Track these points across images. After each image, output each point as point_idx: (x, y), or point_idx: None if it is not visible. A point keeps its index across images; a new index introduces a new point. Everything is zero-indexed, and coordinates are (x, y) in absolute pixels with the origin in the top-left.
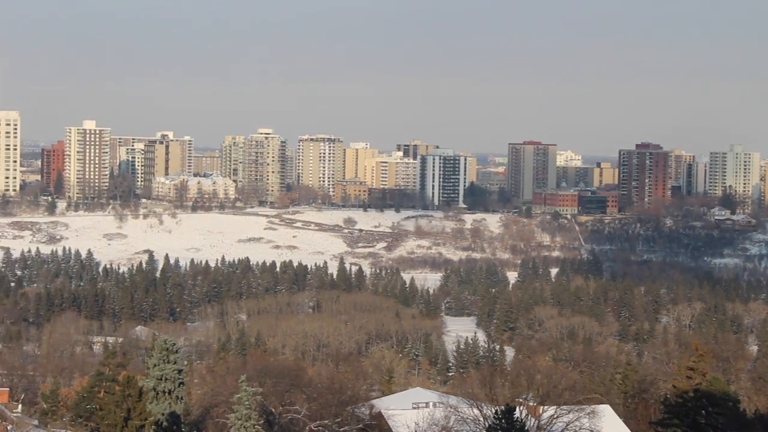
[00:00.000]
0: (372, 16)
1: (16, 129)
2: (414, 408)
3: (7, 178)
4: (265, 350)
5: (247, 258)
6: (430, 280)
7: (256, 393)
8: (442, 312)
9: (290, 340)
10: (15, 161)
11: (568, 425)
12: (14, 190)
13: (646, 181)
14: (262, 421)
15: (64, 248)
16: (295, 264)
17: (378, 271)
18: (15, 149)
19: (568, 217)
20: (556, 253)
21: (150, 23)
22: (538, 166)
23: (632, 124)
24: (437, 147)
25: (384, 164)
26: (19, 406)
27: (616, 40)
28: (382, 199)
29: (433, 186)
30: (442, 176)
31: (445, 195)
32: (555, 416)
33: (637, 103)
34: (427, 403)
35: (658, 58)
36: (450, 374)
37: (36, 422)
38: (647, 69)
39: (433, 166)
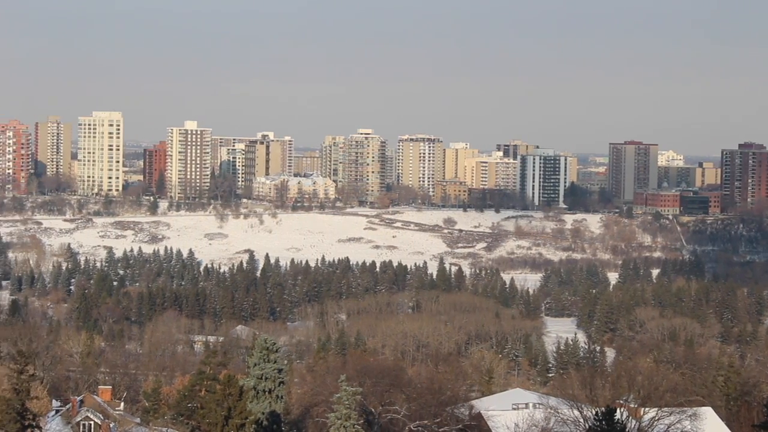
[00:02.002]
0: (473, 17)
1: (119, 130)
2: (514, 409)
3: (110, 178)
4: (364, 350)
5: (347, 258)
6: (529, 280)
7: (355, 393)
8: (542, 313)
9: (390, 340)
10: (118, 162)
11: (669, 427)
12: (117, 190)
13: (749, 181)
14: (362, 421)
15: (166, 248)
16: (395, 264)
17: (478, 271)
18: (118, 150)
19: (670, 217)
20: (657, 254)
21: (251, 23)
22: (639, 166)
23: (735, 123)
24: (537, 147)
25: (484, 164)
26: (122, 404)
27: (721, 39)
28: (482, 200)
29: (533, 186)
30: (542, 176)
31: (545, 195)
32: (656, 418)
33: (740, 102)
34: (526, 404)
35: (763, 57)
36: (550, 375)
37: (138, 420)
38: (751, 68)
39: (534, 166)
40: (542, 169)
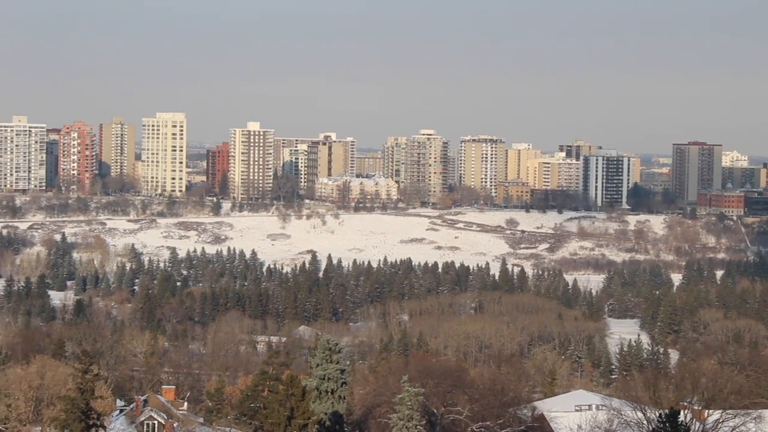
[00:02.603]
0: (536, 17)
1: (182, 131)
2: (576, 410)
3: (173, 179)
4: (427, 351)
5: (409, 259)
6: (592, 281)
7: (418, 393)
8: (605, 314)
9: (452, 341)
10: (181, 162)
11: (733, 430)
12: (180, 191)
13: None
14: (424, 422)
15: (229, 248)
16: (457, 265)
17: (540, 272)
18: (181, 151)
19: (734, 218)
20: (721, 255)
21: (313, 24)
22: (703, 167)
23: None
24: (600, 147)
25: (546, 165)
26: (185, 403)
27: None
28: (545, 200)
29: (596, 187)
30: (605, 177)
31: (608, 196)
32: (720, 420)
33: None
34: (589, 406)
35: None
36: (613, 377)
37: (201, 420)
38: None
39: (596, 167)
40: (605, 169)
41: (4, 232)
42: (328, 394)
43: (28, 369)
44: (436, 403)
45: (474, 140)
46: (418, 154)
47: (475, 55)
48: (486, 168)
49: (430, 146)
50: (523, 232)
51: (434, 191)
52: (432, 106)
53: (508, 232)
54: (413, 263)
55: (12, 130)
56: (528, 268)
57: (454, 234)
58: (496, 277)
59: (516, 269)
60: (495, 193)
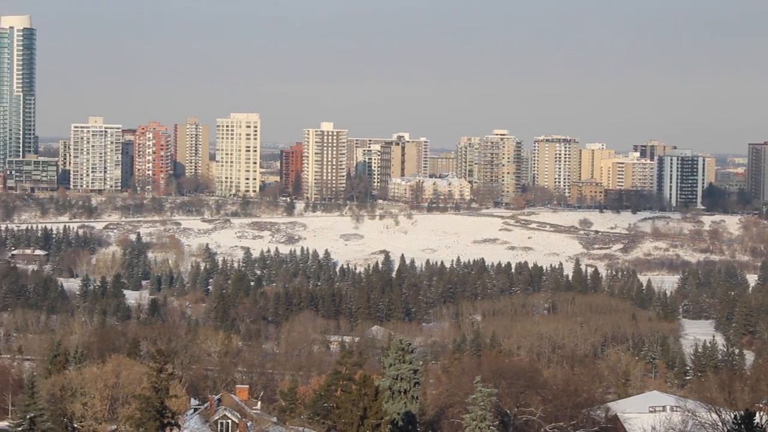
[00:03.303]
0: (608, 16)
1: (256, 131)
2: (650, 412)
3: (247, 179)
4: (500, 351)
5: (482, 259)
6: (667, 282)
7: (491, 394)
8: (679, 315)
9: (525, 341)
10: (255, 163)
11: None
12: (254, 191)
13: None
14: (497, 422)
15: (302, 248)
16: (531, 265)
17: (614, 272)
18: (255, 151)
19: None
20: None
21: (386, 24)
22: None
23: None
24: (675, 147)
25: (620, 165)
26: (259, 403)
27: None
28: (618, 200)
29: (670, 187)
30: (679, 177)
31: (683, 196)
32: None
33: None
34: (663, 407)
35: None
36: (687, 378)
37: (275, 419)
38: None
39: (671, 167)
40: (680, 169)
41: (81, 232)
42: (401, 394)
43: (104, 368)
44: (509, 403)
45: (547, 140)
46: (492, 154)
47: (549, 54)
48: (559, 168)
49: (504, 146)
50: (596, 232)
51: (507, 191)
52: (505, 106)
53: (582, 232)
54: (486, 263)
55: (88, 131)
56: (602, 269)
57: (528, 234)
58: (570, 278)
59: (590, 270)
60: (568, 193)
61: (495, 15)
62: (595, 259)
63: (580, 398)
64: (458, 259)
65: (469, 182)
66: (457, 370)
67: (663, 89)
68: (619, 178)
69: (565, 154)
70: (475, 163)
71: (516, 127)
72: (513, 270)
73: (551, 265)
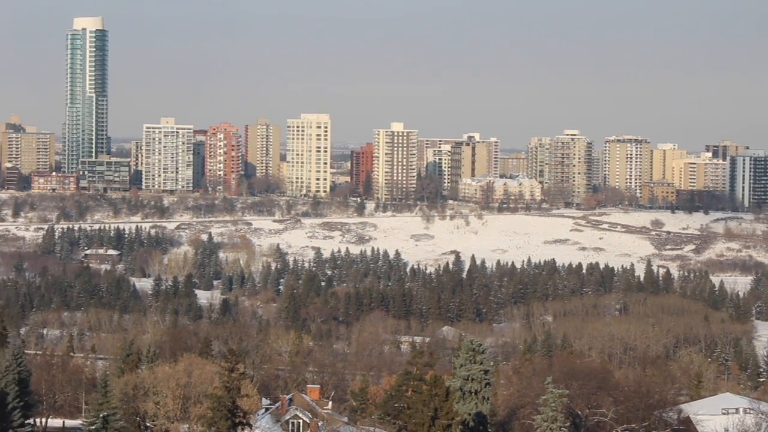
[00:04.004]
0: (681, 15)
1: (326, 132)
2: (723, 414)
3: (318, 179)
4: (571, 352)
5: (553, 259)
6: (740, 283)
7: (562, 395)
8: (752, 316)
9: (596, 343)
10: (326, 163)
11: None
12: (325, 192)
13: None
14: (569, 423)
15: (373, 248)
16: (602, 266)
17: (686, 273)
18: (326, 151)
19: None
20: None
21: (455, 24)
22: None
23: None
24: (747, 147)
25: (692, 165)
26: (329, 402)
27: None
28: (690, 201)
29: (743, 187)
30: (752, 177)
31: (756, 196)
32: None
33: None
34: (736, 409)
35: None
36: (761, 380)
37: (346, 419)
38: None
39: (744, 167)
40: (752, 170)
41: (153, 232)
42: (471, 395)
43: (176, 367)
44: (581, 404)
45: (619, 140)
46: (562, 154)
47: (618, 54)
48: (631, 168)
49: (574, 146)
50: (668, 233)
51: (578, 192)
52: (576, 106)
53: (653, 233)
54: (557, 264)
55: (160, 132)
56: (674, 270)
57: (599, 235)
58: (641, 279)
59: (661, 270)
60: (640, 193)
61: (566, 14)
62: (667, 260)
63: (652, 400)
64: (529, 260)
65: (540, 182)
66: (528, 371)
67: (736, 89)
68: (690, 178)
69: (636, 155)
70: (546, 164)
71: (587, 127)
72: (584, 271)
73: (623, 265)
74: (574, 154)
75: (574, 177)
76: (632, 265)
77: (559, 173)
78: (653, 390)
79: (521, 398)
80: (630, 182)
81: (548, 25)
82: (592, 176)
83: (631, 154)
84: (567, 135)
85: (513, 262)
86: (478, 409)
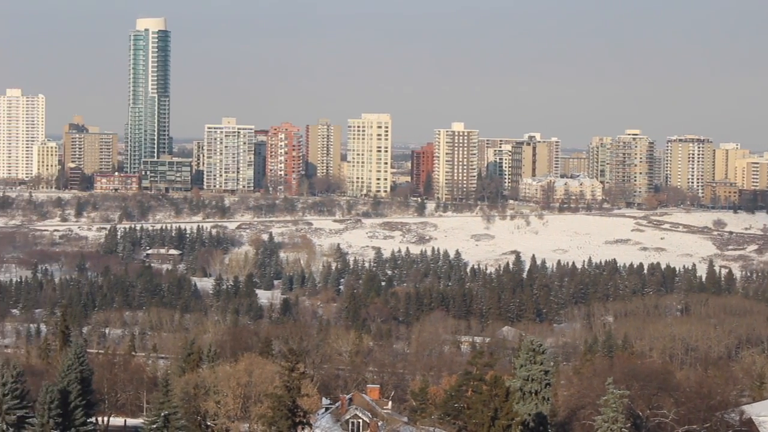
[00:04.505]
0: (738, 15)
1: (387, 132)
2: None
3: (378, 179)
4: (632, 353)
5: (614, 260)
6: None
7: (623, 396)
8: None
9: (658, 343)
10: (386, 163)
11: None
12: (385, 192)
13: None
14: (629, 424)
15: (433, 248)
16: (663, 266)
17: (749, 274)
18: (386, 151)
19: None
20: None
21: (517, 22)
22: None
23: None
24: None
25: (755, 165)
26: (389, 402)
27: None
28: (753, 201)
29: None
30: None
31: None
32: None
33: None
34: None
35: None
36: None
37: (405, 419)
38: None
39: None
40: None
41: (214, 231)
42: (531, 395)
43: (237, 367)
44: (642, 405)
45: (681, 140)
46: (624, 154)
47: (680, 54)
48: (693, 168)
49: (636, 146)
50: (730, 233)
51: (640, 192)
52: (637, 106)
53: (716, 233)
54: (618, 264)
55: (221, 132)
56: (736, 270)
57: (660, 235)
58: (703, 279)
59: (723, 271)
60: (702, 193)
61: (628, 14)
62: (729, 260)
63: (714, 401)
64: (590, 260)
65: (601, 182)
66: (589, 372)
67: None
68: (753, 178)
69: (698, 154)
70: (607, 163)
71: (648, 127)
72: (645, 271)
73: (684, 266)
74: (636, 154)
75: (635, 177)
76: (694, 265)
77: (621, 173)
78: (715, 391)
79: (581, 399)
80: (692, 182)
81: (610, 24)
82: (653, 176)
83: (693, 154)
84: (629, 135)
85: (573, 262)
86: (538, 410)
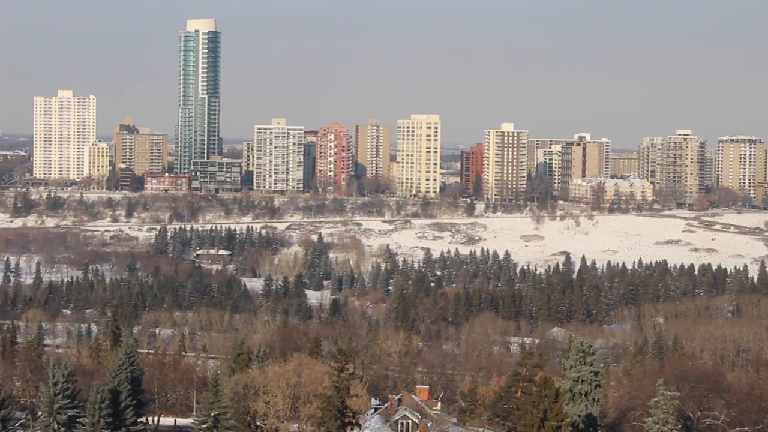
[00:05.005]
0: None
1: (436, 132)
2: None
3: (427, 180)
4: (682, 354)
5: (665, 260)
6: None
7: (674, 397)
8: None
9: (708, 345)
10: (435, 164)
11: None
12: (434, 192)
13: None
14: (680, 426)
15: (482, 249)
16: (714, 267)
17: None
18: (435, 152)
19: None
20: None
21: (565, 24)
22: None
23: None
24: None
25: None
26: (438, 403)
27: None
28: None
29: None
30: None
31: None
32: None
33: None
34: None
35: None
36: None
37: (455, 420)
38: None
39: None
40: None
41: (263, 232)
42: (581, 396)
43: (286, 367)
44: (692, 407)
45: (732, 140)
46: (674, 154)
47: (731, 53)
48: (744, 168)
49: (687, 147)
50: None
51: (690, 192)
52: (688, 106)
53: (767, 233)
54: (669, 265)
55: (271, 132)
56: None
57: (711, 236)
58: (755, 280)
59: None
60: (753, 194)
61: (677, 14)
62: None
63: (766, 403)
64: (640, 261)
65: (651, 183)
66: (639, 373)
67: None
68: None
69: (750, 155)
70: (658, 164)
71: (699, 127)
72: (696, 272)
73: (735, 267)
74: (687, 154)
75: (686, 177)
76: (745, 266)
77: (671, 173)
78: (767, 393)
79: (632, 400)
80: (743, 182)
81: (659, 24)
82: (704, 176)
83: (744, 154)
84: (679, 135)
85: (624, 263)
86: (588, 411)
